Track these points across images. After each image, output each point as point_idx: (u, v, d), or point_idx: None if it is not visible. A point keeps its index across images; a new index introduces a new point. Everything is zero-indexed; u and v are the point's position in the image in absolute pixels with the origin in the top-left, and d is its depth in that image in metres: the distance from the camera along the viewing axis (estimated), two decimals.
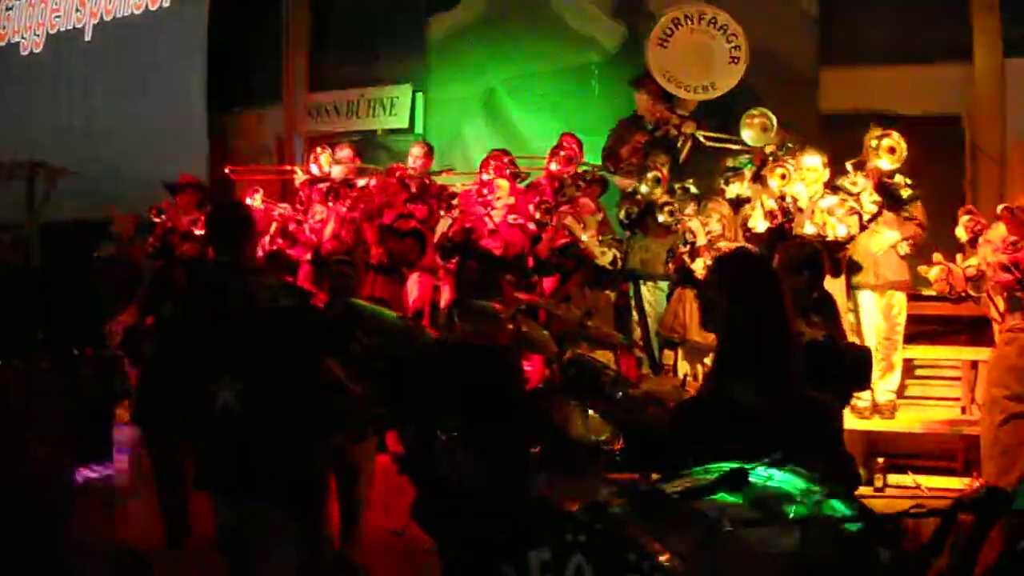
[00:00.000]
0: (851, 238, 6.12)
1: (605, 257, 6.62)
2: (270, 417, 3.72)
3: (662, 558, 1.84)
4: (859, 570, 2.00)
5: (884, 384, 6.49)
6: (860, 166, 6.33)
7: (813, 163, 6.36)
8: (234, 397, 3.67)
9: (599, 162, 7.75)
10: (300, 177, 8.79)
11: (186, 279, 5.90)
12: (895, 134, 6.15)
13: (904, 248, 6.41)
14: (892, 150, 6.12)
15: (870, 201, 6.17)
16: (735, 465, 2.23)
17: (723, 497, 2.13)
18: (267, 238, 7.88)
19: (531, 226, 6.98)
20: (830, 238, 5.99)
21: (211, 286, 4.16)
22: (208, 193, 8.87)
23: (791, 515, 2.04)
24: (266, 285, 3.93)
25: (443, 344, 4.42)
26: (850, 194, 6.32)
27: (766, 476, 2.22)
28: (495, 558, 2.10)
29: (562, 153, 7.23)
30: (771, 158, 6.57)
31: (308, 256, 7.71)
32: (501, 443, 3.15)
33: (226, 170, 9.21)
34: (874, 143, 6.17)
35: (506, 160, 7.48)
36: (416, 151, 8.10)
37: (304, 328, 3.89)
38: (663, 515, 2.01)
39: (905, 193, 6.34)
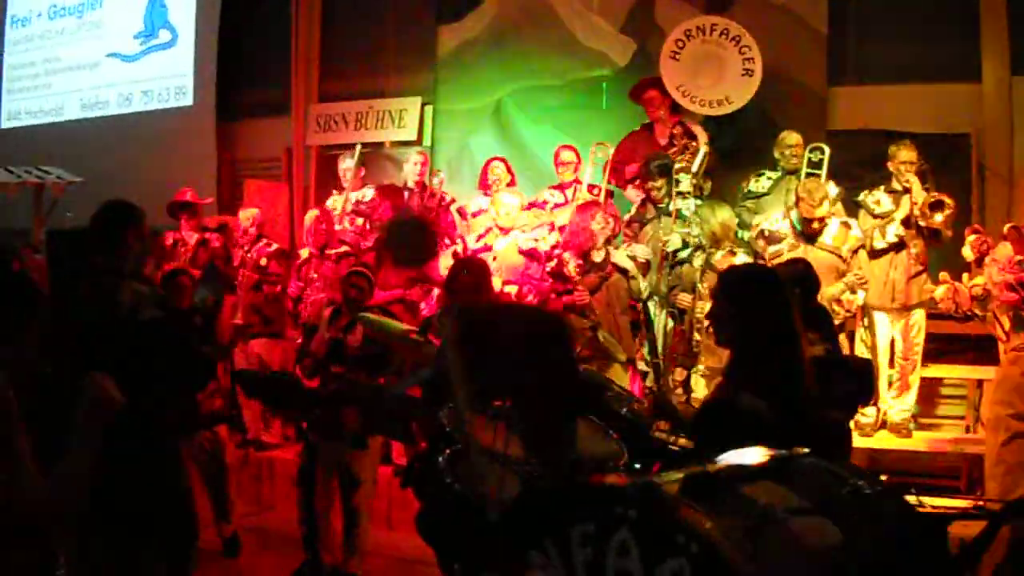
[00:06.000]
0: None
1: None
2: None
3: (711, 541, 1.82)
4: (902, 567, 2.01)
5: (900, 404, 6.49)
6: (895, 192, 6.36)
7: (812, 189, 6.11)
8: None
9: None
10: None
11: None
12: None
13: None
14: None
15: (893, 233, 6.21)
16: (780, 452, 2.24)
17: (771, 484, 2.12)
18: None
19: (543, 247, 6.92)
20: (854, 308, 6.00)
21: (76, 288, 3.81)
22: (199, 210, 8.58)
23: (838, 507, 2.04)
24: (134, 293, 3.66)
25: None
26: (873, 215, 6.31)
27: (810, 465, 2.23)
28: (537, 533, 2.08)
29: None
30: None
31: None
32: (553, 406, 3.09)
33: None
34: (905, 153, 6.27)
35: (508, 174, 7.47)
36: (415, 158, 8.12)
37: (160, 343, 3.60)
38: (713, 498, 1.99)
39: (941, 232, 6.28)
